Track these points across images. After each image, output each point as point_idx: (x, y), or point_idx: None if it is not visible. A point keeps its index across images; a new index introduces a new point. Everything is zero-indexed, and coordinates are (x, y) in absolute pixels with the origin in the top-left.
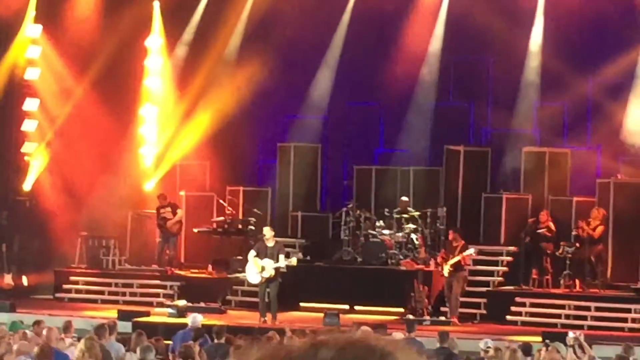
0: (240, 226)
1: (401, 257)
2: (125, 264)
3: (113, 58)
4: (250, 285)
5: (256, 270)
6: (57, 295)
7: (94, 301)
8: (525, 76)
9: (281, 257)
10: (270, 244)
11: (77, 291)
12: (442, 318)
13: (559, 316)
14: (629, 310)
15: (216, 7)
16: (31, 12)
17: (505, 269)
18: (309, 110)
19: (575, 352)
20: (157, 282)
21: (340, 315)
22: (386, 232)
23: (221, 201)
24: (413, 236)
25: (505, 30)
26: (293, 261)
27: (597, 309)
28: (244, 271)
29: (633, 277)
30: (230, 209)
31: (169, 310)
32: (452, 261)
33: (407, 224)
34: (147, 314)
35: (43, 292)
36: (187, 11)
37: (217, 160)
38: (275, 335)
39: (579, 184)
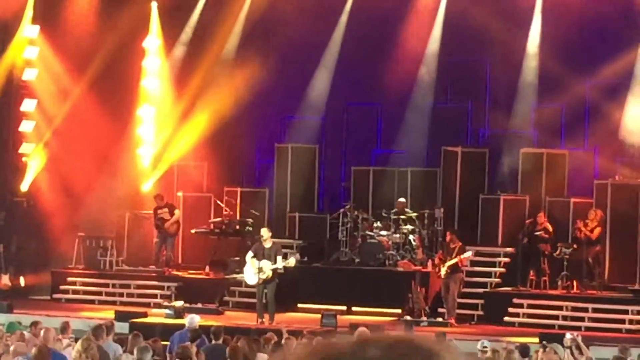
0: (237, 227)
1: (399, 258)
2: (123, 265)
3: (111, 58)
4: (247, 286)
5: (254, 271)
6: (55, 295)
7: (91, 302)
8: (523, 77)
9: (279, 258)
10: (267, 244)
11: (75, 292)
12: (440, 319)
13: (556, 317)
14: (626, 312)
15: (214, 8)
16: (29, 12)
17: (502, 270)
18: (306, 111)
19: (572, 354)
20: (155, 282)
21: (338, 316)
22: (384, 233)
23: (219, 202)
24: (410, 237)
25: (503, 31)
26: (291, 262)
27: (595, 310)
28: (241, 272)
29: (630, 279)
30: (227, 209)
31: (167, 311)
32: (449, 263)
33: (405, 225)
34: (145, 314)
35: (40, 293)
36: (184, 12)
37: (215, 160)
38: (273, 336)
39: (577, 185)
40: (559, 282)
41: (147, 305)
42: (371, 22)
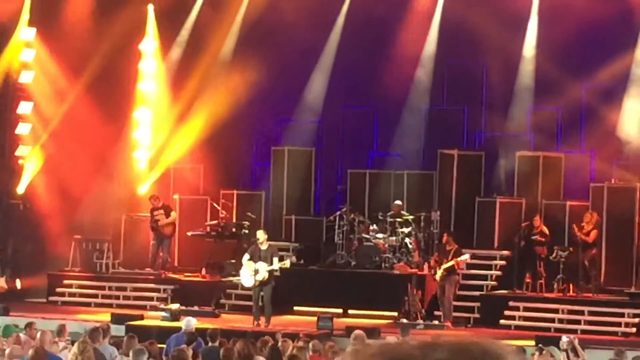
0: (234, 230)
1: (395, 261)
2: (119, 267)
3: (107, 61)
4: (244, 288)
5: (250, 273)
6: (51, 298)
7: (88, 304)
8: (519, 80)
9: (275, 260)
10: (263, 247)
11: (71, 294)
12: (436, 322)
13: (552, 320)
14: (622, 315)
15: (210, 10)
16: (25, 15)
17: (498, 273)
18: (303, 114)
19: (568, 357)
20: (151, 285)
21: (334, 319)
22: (380, 235)
23: (215, 205)
24: (407, 240)
25: (500, 34)
26: (287, 263)
27: (591, 313)
28: (237, 275)
29: (626, 282)
30: (224, 212)
31: (163, 313)
32: (445, 265)
33: (401, 227)
34: (141, 317)
35: (36, 296)
36: (181, 14)
37: (211, 163)
38: (270, 339)
39: (573, 189)
40: (555, 285)
41: (144, 308)
42: (368, 25)
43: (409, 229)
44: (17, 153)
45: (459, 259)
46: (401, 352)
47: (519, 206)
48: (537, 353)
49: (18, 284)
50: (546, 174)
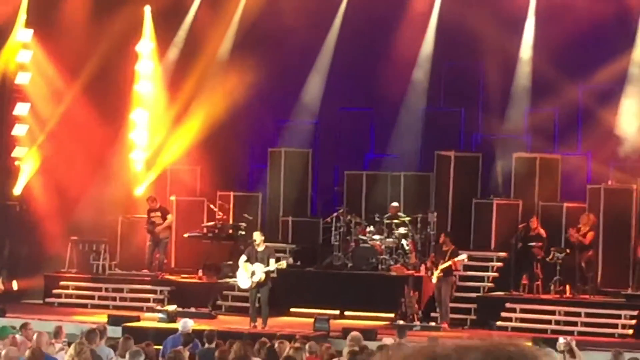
0: (230, 231)
1: (391, 262)
2: (116, 269)
3: (104, 62)
4: (240, 290)
5: (246, 275)
6: (47, 300)
7: (84, 306)
8: (516, 82)
9: (271, 261)
10: (260, 248)
11: (67, 296)
12: (432, 323)
13: (549, 322)
14: (619, 316)
15: (207, 12)
16: (22, 16)
17: (495, 274)
18: (299, 115)
19: (565, 358)
20: (148, 287)
21: (331, 321)
22: (377, 237)
23: (212, 206)
24: (403, 241)
25: (497, 36)
26: (283, 264)
27: (587, 314)
28: (234, 276)
29: (623, 283)
30: (220, 213)
31: (159, 315)
32: (442, 266)
33: (398, 229)
34: (138, 318)
35: (33, 297)
36: (178, 16)
37: (208, 165)
38: (267, 340)
39: (570, 190)
40: (552, 287)
41: (140, 309)
42: (365, 26)
43: (406, 230)
44: (13, 154)
45: (456, 259)
46: (437, 353)
47: (516, 208)
48: None
49: (14, 285)
50: (543, 176)
